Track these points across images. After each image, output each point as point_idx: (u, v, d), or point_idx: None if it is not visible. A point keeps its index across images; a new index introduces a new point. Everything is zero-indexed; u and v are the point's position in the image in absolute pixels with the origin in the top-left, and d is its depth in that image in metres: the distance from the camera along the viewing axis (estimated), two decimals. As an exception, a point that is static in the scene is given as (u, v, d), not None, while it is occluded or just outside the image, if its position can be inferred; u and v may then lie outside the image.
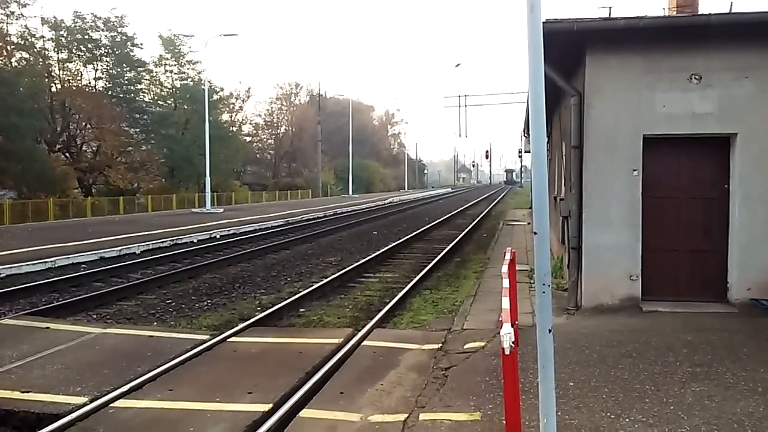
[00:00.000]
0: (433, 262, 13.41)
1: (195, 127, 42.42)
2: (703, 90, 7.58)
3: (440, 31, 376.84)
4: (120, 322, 8.63)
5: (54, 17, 38.19)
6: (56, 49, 38.94)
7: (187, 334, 7.52)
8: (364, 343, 6.76)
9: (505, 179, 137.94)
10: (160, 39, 46.86)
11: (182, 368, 5.99)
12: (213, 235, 20.00)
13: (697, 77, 7.58)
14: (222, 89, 52.18)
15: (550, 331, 3.29)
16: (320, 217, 28.83)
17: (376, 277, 12.44)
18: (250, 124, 66.27)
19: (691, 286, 8.00)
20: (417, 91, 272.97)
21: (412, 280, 11.15)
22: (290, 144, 69.12)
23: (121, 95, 42.78)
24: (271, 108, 70.23)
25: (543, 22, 3.17)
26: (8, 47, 33.97)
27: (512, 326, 3.12)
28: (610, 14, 9.25)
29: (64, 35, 38.86)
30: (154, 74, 46.89)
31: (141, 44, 43.75)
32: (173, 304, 9.92)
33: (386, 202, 45.78)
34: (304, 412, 4.82)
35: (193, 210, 34.00)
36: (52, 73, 38.27)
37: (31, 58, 36.48)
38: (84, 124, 38.88)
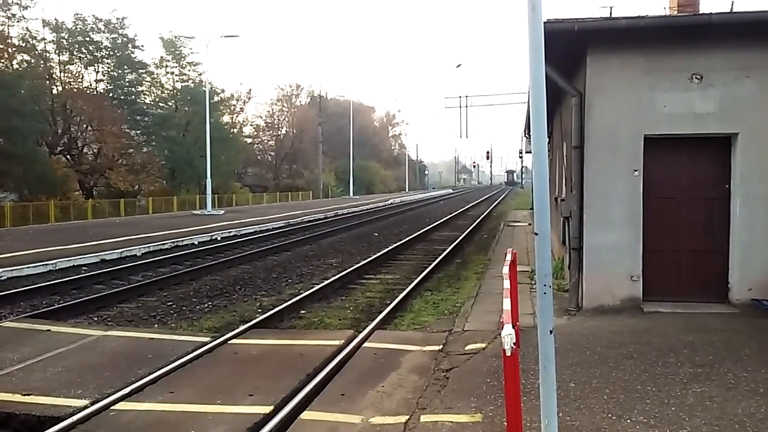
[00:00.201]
0: (434, 263, 13.40)
1: (196, 129, 42.45)
2: (704, 90, 7.57)
3: (441, 32, 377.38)
4: (121, 324, 8.63)
5: (55, 19, 38.32)
6: (57, 52, 38.99)
7: (187, 336, 7.52)
8: (365, 344, 6.76)
9: (506, 180, 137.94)
10: (161, 41, 46.95)
11: (183, 370, 5.99)
12: (214, 237, 20.00)
13: (698, 77, 7.57)
14: (223, 91, 52.34)
15: (551, 332, 3.28)
16: (321, 219, 28.84)
17: (377, 278, 12.43)
18: (251, 125, 66.45)
19: (692, 286, 7.98)
20: (418, 92, 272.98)
21: (412, 282, 11.14)
22: (291, 145, 69.14)
23: (122, 97, 42.84)
24: (272, 109, 70.36)
25: (544, 23, 3.16)
26: (9, 49, 34.00)
27: (513, 327, 3.11)
28: (611, 14, 9.22)
29: (65, 37, 38.89)
30: (155, 76, 46.97)
31: (142, 46, 43.95)
32: (174, 306, 9.92)
33: (387, 203, 45.78)
34: (306, 414, 4.82)
35: (194, 212, 34.01)
36: (53, 76, 38.30)
37: (33, 61, 36.50)
38: (85, 126, 38.91)
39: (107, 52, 41.35)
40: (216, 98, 47.35)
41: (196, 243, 18.72)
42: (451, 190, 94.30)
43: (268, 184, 62.33)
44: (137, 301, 10.26)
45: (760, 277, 7.62)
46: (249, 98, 60.38)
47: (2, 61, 33.15)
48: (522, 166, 70.11)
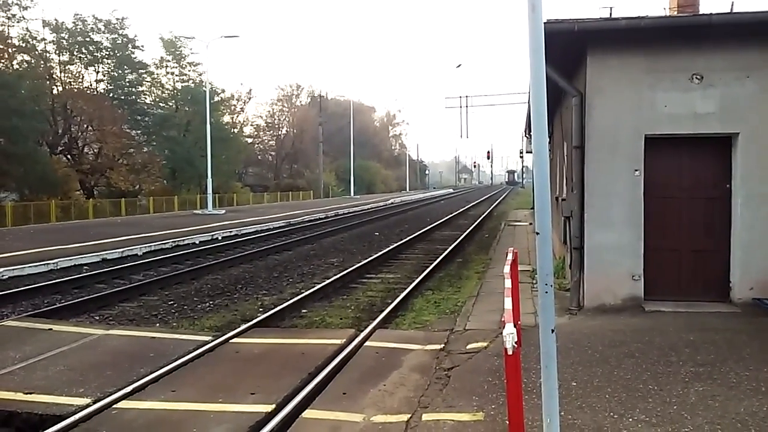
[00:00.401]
0: (435, 262, 13.41)
1: (196, 129, 42.47)
2: (704, 90, 7.58)
3: (441, 32, 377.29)
4: (122, 323, 8.64)
5: (55, 20, 38.36)
6: (57, 52, 39.02)
7: (189, 335, 7.53)
8: (367, 343, 6.77)
9: (506, 180, 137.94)
10: (161, 41, 46.95)
11: (185, 369, 6.00)
12: (215, 237, 20.02)
13: (698, 77, 7.58)
14: (223, 91, 52.33)
15: (552, 331, 3.29)
16: (322, 218, 28.85)
17: (378, 277, 12.44)
18: (252, 125, 66.44)
19: (694, 285, 7.99)
20: (418, 92, 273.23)
21: (414, 281, 11.15)
22: (291, 145, 69.16)
23: (123, 97, 42.87)
24: (273, 109, 70.38)
25: (544, 23, 3.16)
26: (10, 50, 34.03)
27: (515, 326, 3.12)
28: (611, 14, 9.24)
29: (66, 37, 38.92)
30: (156, 76, 46.98)
31: (142, 46, 43.94)
32: (175, 305, 9.93)
33: (388, 203, 45.77)
34: (307, 413, 4.83)
35: (195, 211, 34.03)
36: (54, 76, 38.34)
37: (33, 61, 36.53)
38: (85, 126, 38.94)
39: (107, 53, 41.37)
40: (216, 98, 47.35)
41: (197, 242, 18.73)
42: (451, 190, 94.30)
43: (269, 183, 62.35)
44: (139, 301, 10.27)
45: (762, 277, 7.62)
46: (249, 98, 60.51)
47: (2, 61, 33.17)
48: (523, 166, 70.22)
